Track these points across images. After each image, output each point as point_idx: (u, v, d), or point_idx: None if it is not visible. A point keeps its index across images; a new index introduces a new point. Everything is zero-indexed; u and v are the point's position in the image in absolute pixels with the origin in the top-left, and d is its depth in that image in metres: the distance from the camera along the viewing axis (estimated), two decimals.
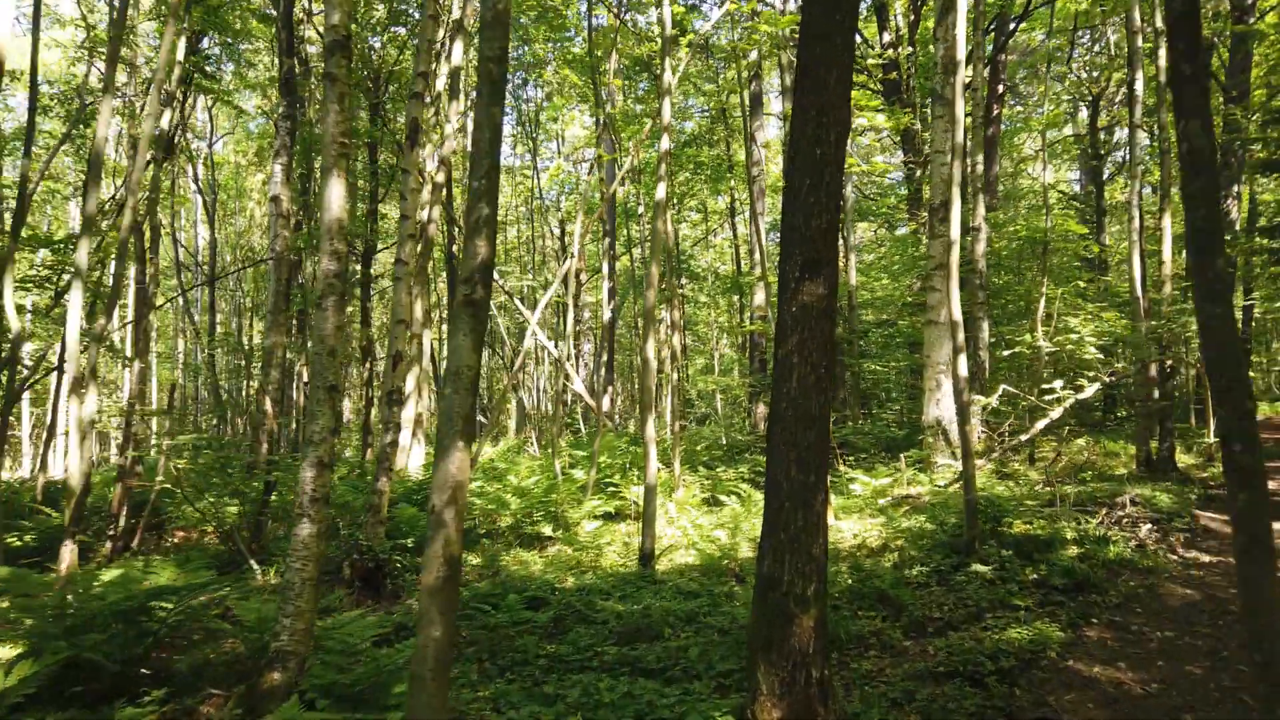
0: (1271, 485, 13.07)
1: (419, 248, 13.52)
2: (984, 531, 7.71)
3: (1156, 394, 13.07)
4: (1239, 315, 25.08)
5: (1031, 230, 12.50)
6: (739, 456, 14.50)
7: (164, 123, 13.19)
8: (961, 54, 7.68)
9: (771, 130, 27.40)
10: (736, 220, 27.75)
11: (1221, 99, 22.70)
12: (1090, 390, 10.66)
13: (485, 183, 3.39)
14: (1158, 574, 7.14)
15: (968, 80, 13.11)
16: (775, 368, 4.70)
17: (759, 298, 20.28)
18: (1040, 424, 10.27)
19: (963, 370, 7.47)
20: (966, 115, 14.16)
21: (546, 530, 9.60)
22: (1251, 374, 26.90)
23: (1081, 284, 14.48)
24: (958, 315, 7.45)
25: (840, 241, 17.64)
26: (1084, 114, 29.09)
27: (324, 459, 4.79)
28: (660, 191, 8.10)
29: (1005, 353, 12.89)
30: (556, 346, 26.61)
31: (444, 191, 13.72)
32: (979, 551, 7.32)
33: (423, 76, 8.65)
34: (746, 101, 22.42)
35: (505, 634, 6.56)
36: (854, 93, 12.17)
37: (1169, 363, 13.06)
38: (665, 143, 8.20)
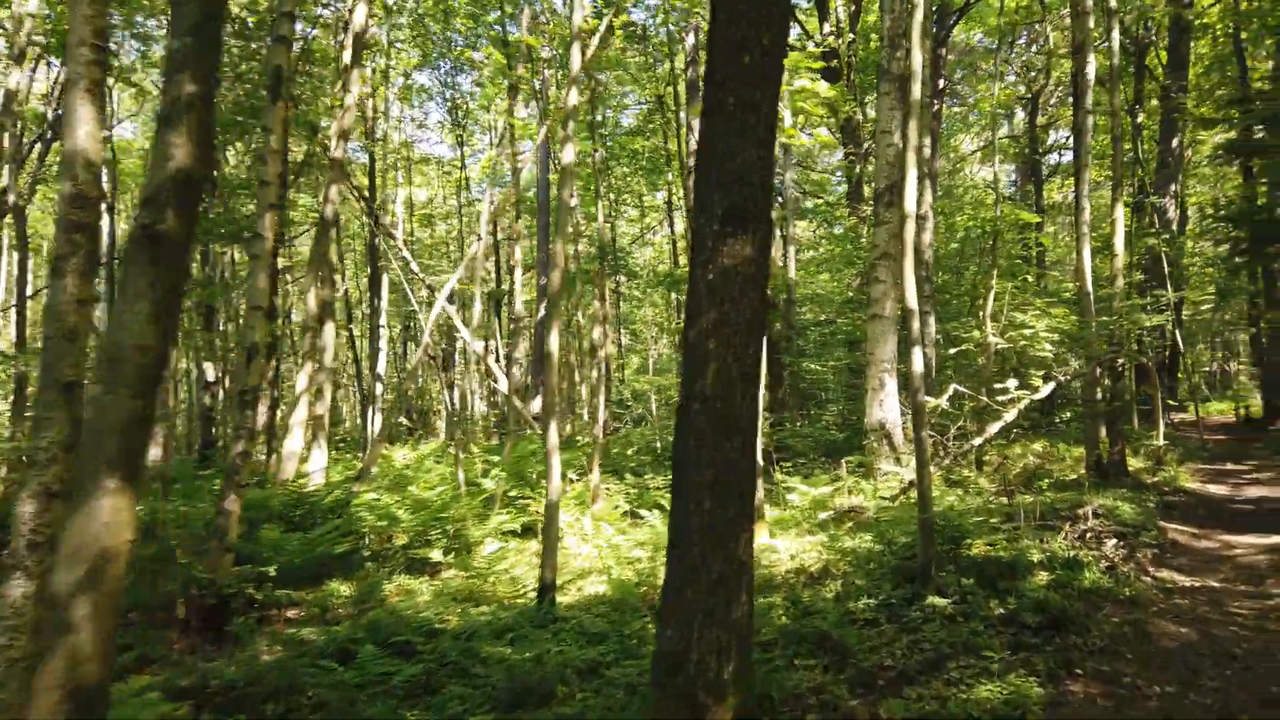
0: (1221, 490, 12.25)
1: (314, 231, 11.95)
2: (940, 554, 6.52)
3: (1103, 394, 12.15)
4: (1171, 315, 24.71)
5: (980, 221, 11.46)
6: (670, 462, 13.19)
7: (12, 83, 11.42)
8: None
9: None
10: (675, 215, 26.57)
11: (1157, 99, 22.20)
12: (1046, 390, 9.62)
13: (191, 43, 2.01)
14: (1142, 606, 6.00)
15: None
16: (684, 356, 3.38)
17: None
18: (994, 427, 9.18)
19: (918, 366, 6.26)
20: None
21: (434, 555, 8.15)
22: (1179, 375, 26.65)
23: (1029, 278, 13.52)
24: (913, 301, 6.23)
25: (778, 234, 16.35)
26: (1020, 115, 28.58)
27: (51, 487, 3.32)
28: (567, 154, 6.74)
29: (952, 350, 11.83)
30: (486, 346, 25.09)
31: (344, 169, 12.17)
32: (935, 579, 6.11)
33: (288, 16, 7.15)
34: (682, 90, 21.19)
35: (360, 695, 5.14)
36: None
37: (1120, 362, 12.15)
38: (574, 96, 6.84)
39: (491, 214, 12.43)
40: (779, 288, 14.56)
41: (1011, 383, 9.27)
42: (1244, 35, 16.55)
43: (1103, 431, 12.01)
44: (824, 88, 8.24)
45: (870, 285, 11.07)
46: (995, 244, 11.49)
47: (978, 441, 9.09)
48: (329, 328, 13.56)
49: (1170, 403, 19.02)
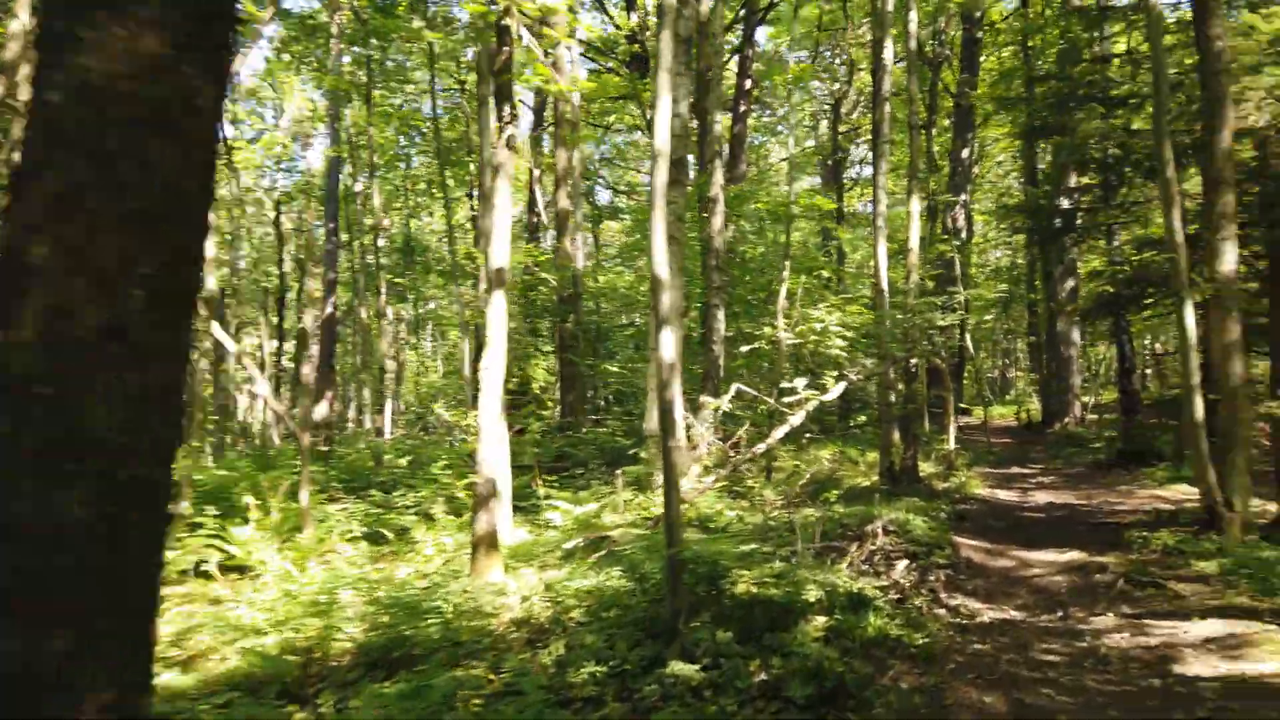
0: (1010, 497, 11.64)
1: None
2: (698, 597, 4.94)
3: (897, 397, 11.30)
4: (962, 314, 25.16)
5: (774, 204, 10.21)
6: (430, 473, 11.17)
7: None
8: None
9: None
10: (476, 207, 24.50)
11: (949, 116, 22.43)
12: (836, 390, 8.41)
13: None
14: (937, 660, 4.63)
15: (705, 22, 10.66)
16: None
17: (484, 287, 17.11)
18: (779, 432, 7.84)
19: (666, 352, 4.64)
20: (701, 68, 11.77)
21: None
22: (965, 379, 27.30)
23: (825, 273, 12.51)
24: (662, 268, 4.63)
25: (569, 222, 14.66)
26: (824, 128, 28.55)
27: None
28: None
29: (745, 348, 10.51)
30: (266, 353, 22.24)
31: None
32: (684, 635, 4.50)
33: None
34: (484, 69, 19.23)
35: None
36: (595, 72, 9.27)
37: (913, 363, 11.28)
38: None
39: None
40: (566, 281, 12.90)
41: (800, 382, 7.96)
42: (1031, 44, 16.53)
43: (896, 436, 11.13)
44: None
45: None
46: (789, 230, 10.30)
47: (760, 448, 7.70)
48: None
49: (961, 406, 18.93)
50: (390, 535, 7.58)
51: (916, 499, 9.91)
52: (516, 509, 9.49)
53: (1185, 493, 10.73)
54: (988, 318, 29.65)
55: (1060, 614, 5.70)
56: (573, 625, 5.08)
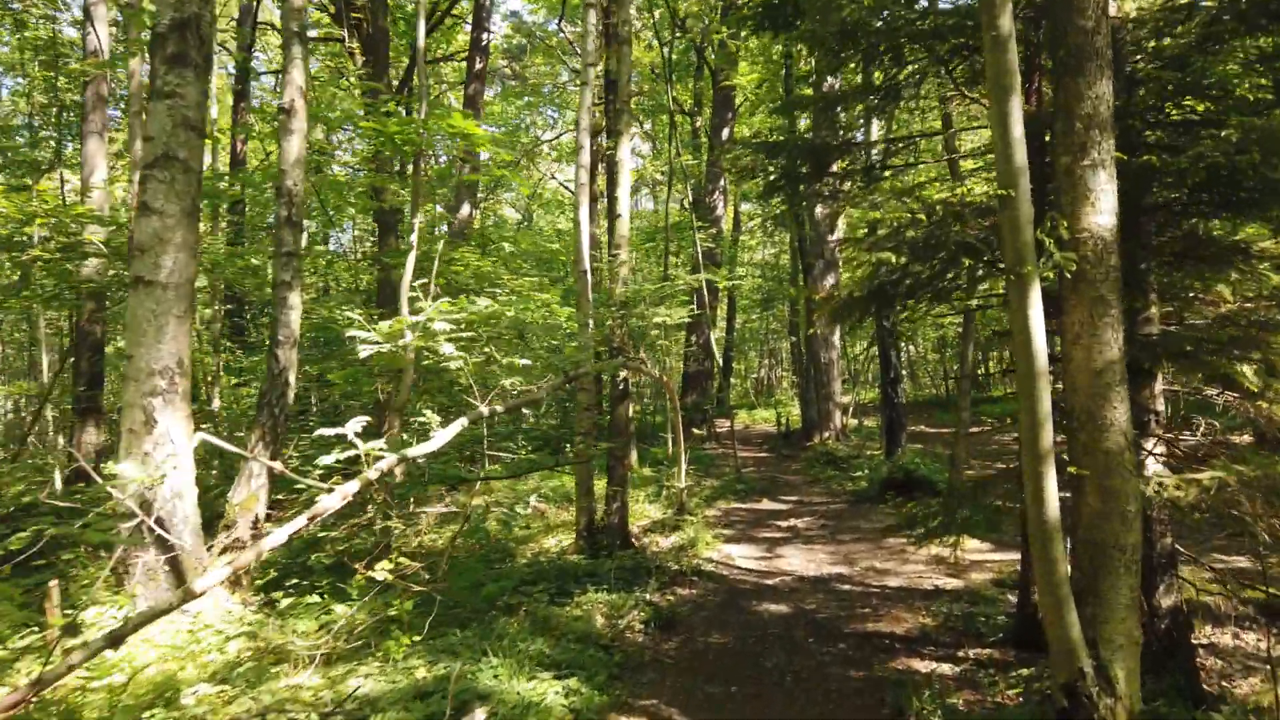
0: (751, 558, 8.19)
1: None
2: None
3: (608, 422, 7.58)
4: (722, 327, 22.33)
5: (403, 124, 5.98)
6: None
7: None
8: None
9: None
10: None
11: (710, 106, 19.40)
12: (444, 436, 4.42)
13: None
14: None
15: None
16: None
17: (92, 265, 11.71)
18: (299, 520, 3.68)
19: None
20: None
21: None
22: (733, 380, 24.70)
23: (509, 246, 8.51)
24: None
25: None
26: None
27: None
28: None
29: (364, 352, 6.22)
30: None
31: None
32: None
33: None
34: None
35: None
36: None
37: (623, 377, 7.57)
38: None
39: None
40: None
41: (355, 423, 3.85)
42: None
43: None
44: None
45: (137, 221, 5.11)
46: (417, 169, 6.18)
47: (239, 561, 3.49)
48: None
49: (698, 431, 15.73)
50: None
51: (605, 591, 6.18)
52: None
53: (971, 552, 7.77)
54: (754, 317, 27.28)
55: None
56: None
